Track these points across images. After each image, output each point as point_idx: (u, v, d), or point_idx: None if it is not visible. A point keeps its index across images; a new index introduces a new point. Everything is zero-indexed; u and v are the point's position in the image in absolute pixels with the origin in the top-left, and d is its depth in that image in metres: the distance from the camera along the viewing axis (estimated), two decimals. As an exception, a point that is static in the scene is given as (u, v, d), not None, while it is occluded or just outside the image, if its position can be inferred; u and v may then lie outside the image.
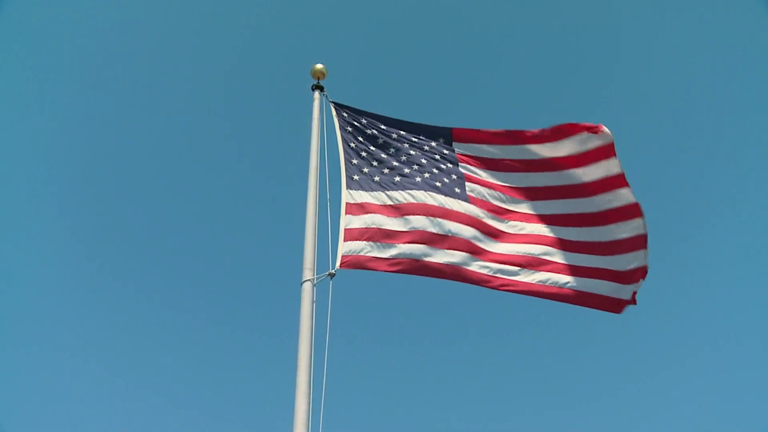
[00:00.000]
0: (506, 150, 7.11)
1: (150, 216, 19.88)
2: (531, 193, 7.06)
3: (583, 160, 6.84)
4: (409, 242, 6.43)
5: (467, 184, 7.02)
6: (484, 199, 6.92)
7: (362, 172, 6.81)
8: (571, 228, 6.92)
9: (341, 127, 7.09)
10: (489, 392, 18.07)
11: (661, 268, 19.27)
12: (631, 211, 6.74)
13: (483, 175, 7.11)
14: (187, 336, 18.53)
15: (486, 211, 6.85)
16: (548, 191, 7.05)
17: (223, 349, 18.48)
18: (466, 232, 6.67)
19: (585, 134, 6.76)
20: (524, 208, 7.03)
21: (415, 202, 6.67)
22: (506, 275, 6.62)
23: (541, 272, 6.67)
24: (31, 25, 17.92)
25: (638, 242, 6.73)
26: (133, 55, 19.95)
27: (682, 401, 16.90)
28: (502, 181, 7.10)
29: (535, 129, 7.03)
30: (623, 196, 6.74)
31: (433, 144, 7.21)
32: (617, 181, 6.75)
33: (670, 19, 20.19)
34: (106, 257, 18.76)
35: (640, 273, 6.69)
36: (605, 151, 6.73)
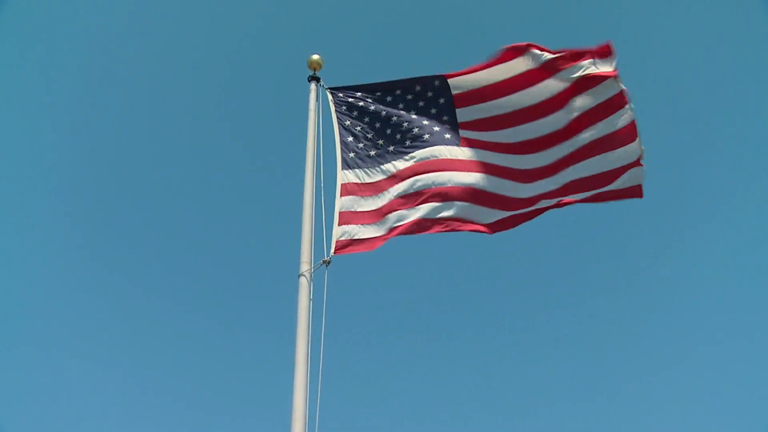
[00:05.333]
0: (507, 102, 6.82)
1: (144, 209, 19.88)
2: (531, 146, 6.83)
3: (586, 83, 6.59)
4: (389, 211, 6.40)
5: (461, 131, 6.87)
6: (480, 140, 6.77)
7: (357, 148, 6.79)
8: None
9: (337, 110, 7.06)
10: (488, 388, 18.03)
11: (661, 265, 19.39)
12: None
13: (482, 136, 6.91)
14: (182, 331, 18.51)
15: (481, 149, 6.74)
16: (549, 138, 6.80)
17: (220, 344, 18.45)
18: (456, 177, 6.60)
19: (589, 60, 6.56)
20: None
21: (403, 168, 6.63)
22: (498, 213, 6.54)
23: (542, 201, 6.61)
24: (31, 25, 18.00)
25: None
26: (129, 49, 20.03)
27: (683, 401, 16.88)
28: (502, 140, 6.88)
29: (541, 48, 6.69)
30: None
31: (429, 94, 7.03)
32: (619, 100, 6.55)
33: (668, 18, 20.21)
34: (100, 253, 18.78)
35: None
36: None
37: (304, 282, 5.73)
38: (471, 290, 19.70)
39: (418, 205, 6.49)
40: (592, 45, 6.69)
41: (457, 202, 6.54)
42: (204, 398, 17.10)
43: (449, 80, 6.95)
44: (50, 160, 18.56)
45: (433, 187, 6.57)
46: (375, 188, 6.56)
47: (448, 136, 6.82)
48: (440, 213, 6.49)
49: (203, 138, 21.03)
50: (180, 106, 20.87)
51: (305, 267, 5.81)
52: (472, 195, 6.62)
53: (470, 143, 6.83)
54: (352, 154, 6.74)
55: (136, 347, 17.63)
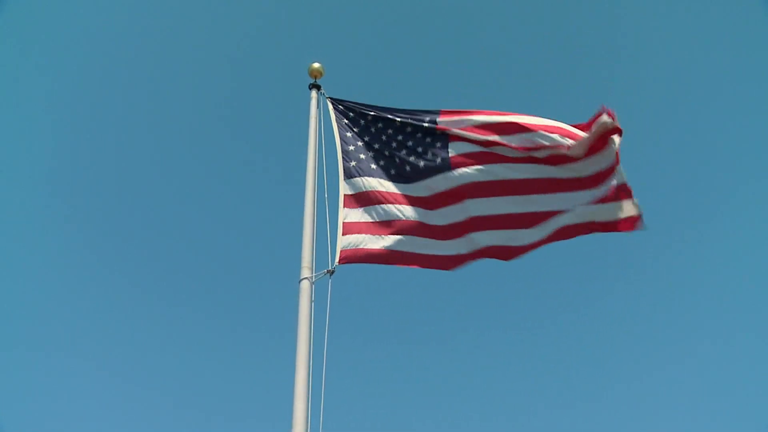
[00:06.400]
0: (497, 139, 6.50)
1: (146, 214, 19.91)
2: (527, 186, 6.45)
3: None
4: (400, 233, 6.35)
5: (450, 144, 6.68)
6: (468, 153, 6.57)
7: (359, 158, 6.82)
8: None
9: (338, 119, 7.10)
10: (489, 390, 18.09)
11: (661, 265, 19.44)
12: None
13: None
14: (184, 335, 18.54)
15: (473, 167, 6.51)
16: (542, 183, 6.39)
17: (221, 348, 18.49)
18: (453, 213, 6.46)
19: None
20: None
21: (407, 194, 6.59)
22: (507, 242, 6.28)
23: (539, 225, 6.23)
24: (31, 25, 17.99)
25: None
26: (132, 52, 20.01)
27: (683, 401, 16.93)
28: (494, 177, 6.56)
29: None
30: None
31: (420, 118, 6.87)
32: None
33: (668, 18, 20.22)
34: (102, 255, 18.80)
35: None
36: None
37: (305, 287, 5.72)
38: (470, 292, 19.76)
39: (429, 236, 6.40)
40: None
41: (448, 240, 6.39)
42: (205, 400, 17.19)
43: (442, 117, 6.78)
44: (50, 160, 18.59)
45: (426, 222, 6.48)
46: (377, 199, 6.55)
47: (440, 159, 6.64)
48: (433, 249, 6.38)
49: (207, 143, 21.07)
50: (181, 113, 20.90)
51: (306, 273, 5.81)
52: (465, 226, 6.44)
53: (460, 169, 6.59)
54: (353, 163, 6.77)
55: (138, 349, 17.69)
